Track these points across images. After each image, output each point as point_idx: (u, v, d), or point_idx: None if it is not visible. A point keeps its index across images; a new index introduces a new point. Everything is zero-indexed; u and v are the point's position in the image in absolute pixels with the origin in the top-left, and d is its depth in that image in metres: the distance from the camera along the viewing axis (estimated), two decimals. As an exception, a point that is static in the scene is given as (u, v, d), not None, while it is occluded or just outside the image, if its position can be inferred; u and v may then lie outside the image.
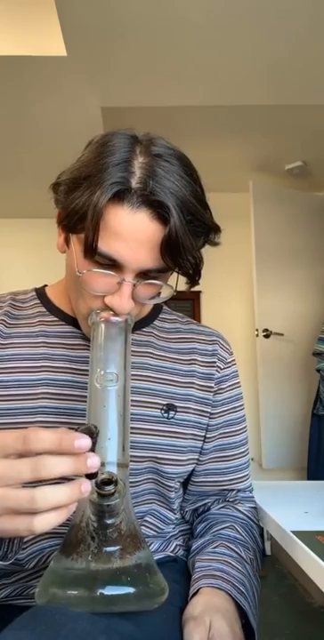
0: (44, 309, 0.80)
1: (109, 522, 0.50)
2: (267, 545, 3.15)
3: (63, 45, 2.19)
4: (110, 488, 0.49)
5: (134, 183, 0.61)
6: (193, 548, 0.77)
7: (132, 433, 0.70)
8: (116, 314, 0.63)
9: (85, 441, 0.46)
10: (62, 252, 0.73)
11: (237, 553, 0.72)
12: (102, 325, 0.61)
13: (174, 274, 0.73)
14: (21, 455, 0.46)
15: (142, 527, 0.74)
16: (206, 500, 0.84)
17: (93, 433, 0.47)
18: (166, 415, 0.75)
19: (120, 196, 0.61)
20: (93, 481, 0.49)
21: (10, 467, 0.46)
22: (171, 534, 0.80)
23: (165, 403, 0.76)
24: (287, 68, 2.33)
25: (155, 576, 0.52)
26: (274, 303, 3.24)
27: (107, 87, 2.48)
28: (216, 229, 0.71)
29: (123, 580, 0.50)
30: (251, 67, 2.32)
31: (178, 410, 0.76)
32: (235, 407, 0.83)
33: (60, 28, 2.08)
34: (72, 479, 0.47)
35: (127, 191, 0.61)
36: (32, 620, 0.47)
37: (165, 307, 0.88)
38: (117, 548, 0.51)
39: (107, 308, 0.65)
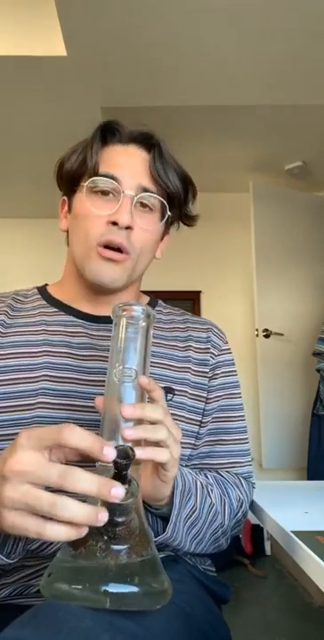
0: (45, 302, 0.84)
1: (119, 520, 0.50)
2: (267, 545, 3.15)
3: (63, 45, 2.19)
4: (125, 487, 0.49)
5: (122, 130, 0.80)
6: None
7: None
8: (136, 310, 0.63)
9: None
10: (64, 230, 0.85)
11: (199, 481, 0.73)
12: (124, 319, 0.61)
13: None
14: (55, 447, 0.49)
15: None
16: None
17: (129, 456, 0.47)
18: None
19: (113, 139, 0.79)
20: (108, 477, 0.49)
21: (42, 466, 0.47)
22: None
23: (163, 386, 0.77)
24: (286, 67, 2.33)
25: (160, 576, 0.52)
26: (274, 303, 3.24)
27: (107, 87, 2.48)
28: (191, 183, 0.85)
29: (128, 578, 0.50)
30: (251, 67, 2.32)
31: (176, 393, 0.79)
32: (231, 394, 0.85)
33: (60, 28, 2.08)
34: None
35: (117, 132, 0.80)
36: (35, 618, 0.47)
37: (160, 301, 0.92)
38: (126, 546, 0.51)
39: (111, 227, 0.74)
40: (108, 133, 0.80)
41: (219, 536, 0.76)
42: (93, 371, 0.76)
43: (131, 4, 1.96)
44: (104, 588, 0.48)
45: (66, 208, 0.84)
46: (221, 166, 3.41)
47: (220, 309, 3.69)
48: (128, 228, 0.76)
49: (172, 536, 0.67)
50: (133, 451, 0.48)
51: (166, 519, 0.68)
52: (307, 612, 2.29)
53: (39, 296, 0.86)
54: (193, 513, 0.70)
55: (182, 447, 0.77)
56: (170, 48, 2.21)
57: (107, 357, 0.72)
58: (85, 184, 0.77)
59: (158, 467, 0.59)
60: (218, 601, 0.80)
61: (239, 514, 0.79)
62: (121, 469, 0.48)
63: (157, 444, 0.56)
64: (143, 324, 0.61)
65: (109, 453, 0.49)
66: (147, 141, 0.81)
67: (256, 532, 3.07)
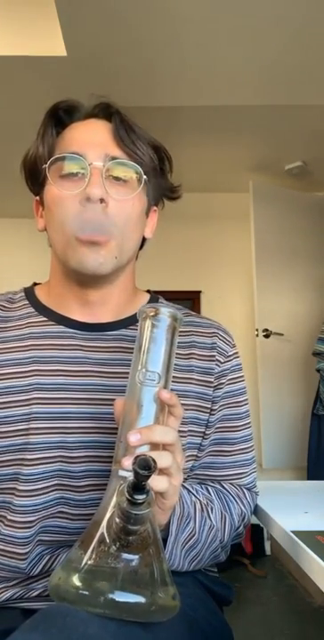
0: (33, 310, 0.78)
1: (133, 528, 0.49)
2: (267, 545, 3.15)
3: (63, 45, 2.19)
4: (142, 497, 0.48)
5: (77, 107, 0.78)
6: None
7: None
8: (162, 312, 0.60)
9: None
10: (42, 229, 0.78)
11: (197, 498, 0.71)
12: (150, 321, 0.59)
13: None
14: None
15: None
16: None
17: (150, 467, 0.46)
18: None
19: (70, 119, 0.76)
20: (125, 485, 0.48)
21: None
22: None
23: None
24: (286, 67, 2.33)
25: (168, 589, 0.52)
26: (274, 303, 3.24)
27: (107, 87, 2.48)
28: (164, 150, 0.79)
29: (136, 589, 0.49)
30: (251, 67, 2.32)
31: None
32: (237, 402, 0.80)
33: (60, 28, 2.08)
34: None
35: (72, 110, 0.77)
36: (43, 622, 0.47)
37: (161, 299, 0.86)
38: (137, 556, 0.50)
39: (84, 204, 0.69)
40: (62, 115, 0.77)
41: (218, 553, 0.74)
42: (87, 388, 0.70)
43: (131, 4, 1.96)
44: (111, 596, 0.48)
45: (40, 208, 0.79)
46: (221, 166, 3.41)
47: (220, 309, 3.69)
48: (102, 201, 0.69)
49: (168, 562, 0.65)
50: (155, 462, 0.47)
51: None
52: (307, 612, 2.29)
53: (27, 302, 0.79)
54: (192, 537, 0.67)
55: (186, 460, 0.73)
56: (170, 48, 2.21)
57: (100, 372, 0.71)
58: (47, 166, 0.72)
59: (157, 495, 0.56)
60: (220, 602, 0.79)
61: (241, 527, 0.77)
62: (141, 480, 0.47)
63: (159, 470, 0.53)
64: (169, 326, 0.59)
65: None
66: (106, 111, 0.76)
67: (256, 532, 3.07)
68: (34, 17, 2.26)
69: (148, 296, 0.85)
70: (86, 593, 0.48)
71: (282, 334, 3.21)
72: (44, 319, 0.76)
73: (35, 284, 0.84)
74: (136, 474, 0.46)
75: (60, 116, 0.77)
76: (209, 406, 0.76)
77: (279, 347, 3.21)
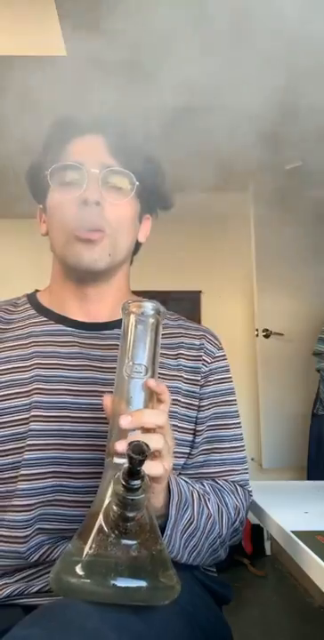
0: (34, 311, 0.84)
1: (130, 515, 0.50)
2: (267, 545, 3.15)
3: (63, 45, 2.19)
4: (137, 483, 0.49)
5: (76, 123, 0.84)
6: None
7: None
8: (146, 307, 0.63)
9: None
10: (45, 234, 0.85)
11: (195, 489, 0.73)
12: (133, 315, 0.62)
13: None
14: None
15: None
16: None
17: (144, 451, 0.47)
18: None
19: (69, 133, 0.83)
20: (120, 473, 0.50)
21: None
22: None
23: None
24: (286, 67, 2.33)
25: (168, 572, 0.53)
26: (274, 303, 3.24)
27: (106, 87, 2.48)
28: (156, 162, 0.87)
29: (137, 573, 0.50)
30: (251, 67, 2.32)
31: None
32: (226, 401, 0.84)
33: (60, 28, 2.08)
34: None
35: (73, 126, 0.83)
36: (43, 617, 0.48)
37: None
38: (136, 542, 0.51)
39: (82, 207, 0.76)
40: (64, 128, 0.85)
41: (217, 547, 0.75)
42: (85, 380, 0.76)
43: (131, 4, 1.96)
44: (113, 582, 0.49)
45: (43, 215, 0.87)
46: (221, 166, 3.41)
47: (220, 309, 3.69)
48: (98, 204, 0.77)
49: (167, 548, 0.65)
50: (148, 447, 0.48)
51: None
52: (307, 612, 2.29)
53: (29, 305, 0.86)
54: (191, 525, 0.69)
55: (176, 457, 0.76)
56: (169, 47, 2.21)
57: (97, 367, 0.76)
58: (49, 173, 0.81)
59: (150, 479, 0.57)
60: (219, 601, 0.80)
61: (237, 522, 0.78)
62: (136, 465, 0.48)
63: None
64: (152, 320, 0.61)
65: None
66: (102, 126, 0.84)
67: (256, 532, 3.07)
68: (34, 17, 2.26)
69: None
70: (88, 581, 0.49)
71: (282, 334, 3.21)
72: (45, 319, 0.83)
73: (36, 290, 0.91)
74: (131, 459, 0.47)
75: (62, 132, 0.85)
76: (197, 403, 0.81)
77: (279, 347, 3.21)
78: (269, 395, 3.14)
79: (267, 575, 2.76)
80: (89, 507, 0.59)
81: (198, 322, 0.94)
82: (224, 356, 0.86)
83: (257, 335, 3.17)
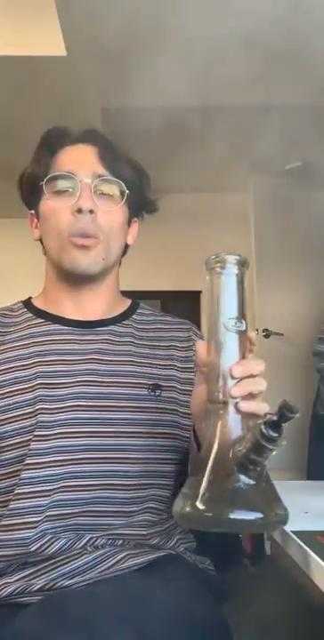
0: (31, 315, 0.88)
1: (258, 459, 0.54)
2: (267, 545, 3.15)
3: (63, 45, 2.20)
4: (276, 435, 0.53)
5: (67, 133, 0.88)
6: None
7: (121, 411, 0.77)
8: (230, 259, 0.66)
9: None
10: (38, 239, 0.90)
11: None
12: (218, 269, 0.65)
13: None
14: None
15: (146, 513, 0.77)
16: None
17: (296, 411, 0.51)
18: (152, 394, 0.80)
19: (62, 143, 0.87)
20: (262, 422, 0.53)
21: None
22: (170, 526, 0.80)
23: (150, 383, 0.81)
24: (286, 67, 2.33)
25: (280, 505, 0.58)
26: (274, 303, 3.24)
27: (107, 87, 2.48)
28: (143, 170, 0.91)
29: (253, 507, 0.54)
30: (250, 67, 2.32)
31: (164, 389, 0.82)
32: None
33: (60, 28, 2.08)
34: None
35: (64, 136, 0.88)
36: (44, 609, 0.51)
37: (141, 304, 0.96)
38: (254, 482, 0.55)
39: (76, 215, 0.81)
40: (55, 139, 0.89)
41: None
42: (85, 372, 0.80)
43: (131, 4, 1.96)
44: (232, 515, 0.53)
45: (35, 220, 0.90)
46: (221, 166, 3.41)
47: (220, 309, 3.69)
48: (92, 212, 0.81)
49: None
50: (297, 408, 0.51)
51: None
52: (307, 612, 2.29)
53: (25, 309, 0.90)
54: None
55: (181, 441, 0.80)
56: (169, 47, 2.21)
57: (94, 359, 0.81)
58: (44, 183, 0.84)
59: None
60: (217, 598, 0.80)
61: None
62: (284, 420, 0.52)
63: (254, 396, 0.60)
64: (237, 271, 0.64)
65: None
66: (92, 136, 0.88)
67: (256, 532, 3.07)
68: (34, 17, 2.26)
69: (130, 300, 0.96)
70: (210, 514, 0.54)
71: (282, 334, 3.21)
72: (42, 320, 0.87)
73: (30, 297, 0.95)
74: (282, 416, 0.52)
75: (53, 141, 0.89)
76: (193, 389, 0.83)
77: (279, 347, 3.21)
78: (268, 395, 3.12)
79: (267, 575, 2.76)
80: (95, 489, 0.72)
81: (198, 322, 0.97)
82: None
83: (257, 335, 3.17)
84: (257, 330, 3.18)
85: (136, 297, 0.97)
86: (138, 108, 2.63)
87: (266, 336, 3.18)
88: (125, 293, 0.95)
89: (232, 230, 3.72)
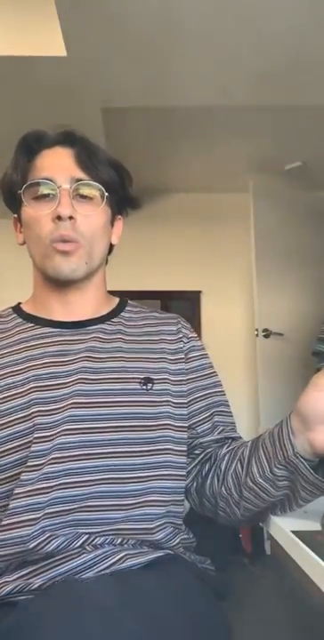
0: (21, 320, 0.89)
1: None
2: (267, 545, 3.15)
3: (63, 45, 2.19)
4: None
5: (44, 136, 0.88)
6: (236, 464, 0.80)
7: (114, 406, 0.78)
8: None
9: None
10: (22, 244, 0.90)
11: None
12: None
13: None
14: None
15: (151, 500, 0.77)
16: (209, 451, 0.87)
17: None
18: (144, 387, 0.81)
19: (39, 147, 0.87)
20: None
21: None
22: (176, 522, 0.80)
23: (142, 377, 0.82)
24: (286, 67, 2.33)
25: None
26: (274, 303, 3.24)
27: (107, 87, 2.48)
28: (123, 168, 0.90)
29: None
30: (250, 67, 2.32)
31: (155, 382, 0.83)
32: (211, 373, 0.92)
33: (60, 28, 2.08)
34: None
35: (40, 139, 0.87)
36: (51, 595, 0.54)
37: (130, 301, 0.97)
38: None
39: (56, 222, 0.81)
40: (32, 144, 0.88)
41: None
42: (76, 371, 0.80)
43: (131, 4, 1.96)
44: None
45: (19, 225, 0.90)
46: (221, 166, 3.41)
47: (220, 309, 3.69)
48: (71, 218, 0.81)
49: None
50: None
51: None
52: (307, 612, 2.29)
53: (15, 315, 0.91)
54: None
55: (179, 431, 0.82)
56: (170, 48, 2.21)
57: (87, 357, 0.82)
58: (22, 191, 0.84)
59: None
60: (217, 598, 0.80)
61: None
62: None
63: None
64: None
65: None
66: (69, 139, 0.87)
67: (256, 531, 3.07)
68: (34, 17, 2.26)
69: (118, 299, 0.96)
70: None
71: (282, 334, 3.21)
72: (32, 325, 0.88)
73: (19, 303, 0.96)
74: None
75: (30, 145, 0.88)
76: (185, 378, 0.87)
77: (279, 347, 3.21)
78: (268, 394, 3.14)
79: (267, 575, 2.76)
80: (93, 484, 0.72)
81: (198, 322, 0.97)
82: (196, 337, 0.95)
83: (257, 335, 3.17)
84: (257, 330, 3.18)
85: (136, 297, 0.97)
86: (138, 107, 2.63)
87: (266, 336, 3.18)
88: (125, 293, 0.96)
89: (232, 230, 3.73)
